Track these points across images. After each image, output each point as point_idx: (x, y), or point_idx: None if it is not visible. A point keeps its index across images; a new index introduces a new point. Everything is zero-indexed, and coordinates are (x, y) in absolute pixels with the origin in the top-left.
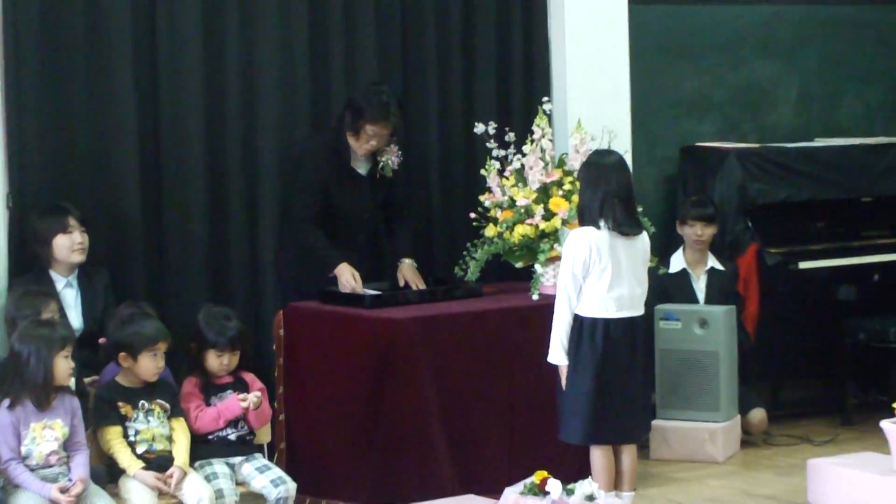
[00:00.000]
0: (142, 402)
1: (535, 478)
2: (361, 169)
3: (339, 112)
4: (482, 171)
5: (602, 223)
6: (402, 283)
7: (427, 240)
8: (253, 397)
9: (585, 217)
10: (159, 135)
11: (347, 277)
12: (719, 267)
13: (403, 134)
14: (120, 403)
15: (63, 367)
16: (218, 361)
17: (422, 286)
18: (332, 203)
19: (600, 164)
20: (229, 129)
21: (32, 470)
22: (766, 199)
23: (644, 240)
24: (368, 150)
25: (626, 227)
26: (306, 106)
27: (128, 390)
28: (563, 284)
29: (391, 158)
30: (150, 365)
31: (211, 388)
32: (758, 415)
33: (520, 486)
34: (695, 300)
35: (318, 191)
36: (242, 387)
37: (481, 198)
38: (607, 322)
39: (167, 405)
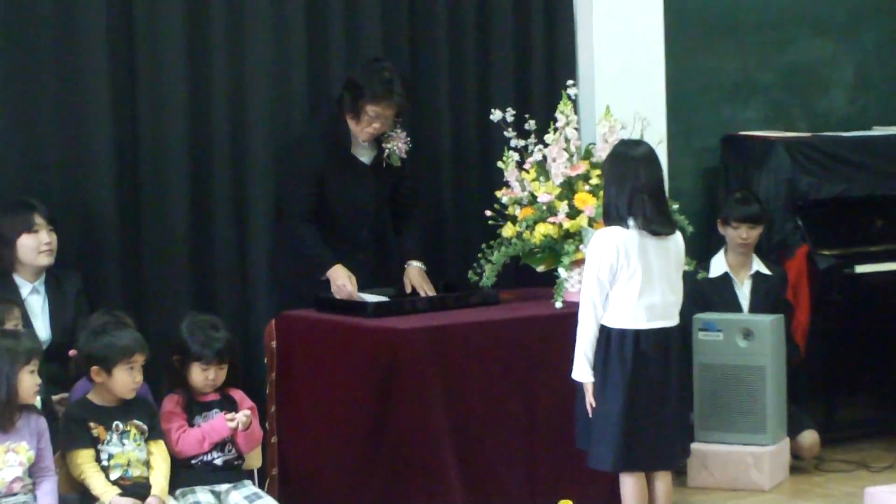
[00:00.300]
0: (116, 422)
1: None
2: (364, 157)
3: (338, 93)
4: (499, 164)
5: (630, 222)
6: (408, 289)
7: (437, 240)
8: (242, 417)
9: (611, 215)
10: (136, 123)
11: (343, 281)
12: (766, 271)
13: (410, 116)
14: (92, 424)
15: (28, 383)
16: (203, 376)
17: (431, 292)
18: (331, 196)
19: (627, 157)
20: (215, 116)
21: None
22: (818, 194)
23: (678, 240)
24: (370, 135)
25: (657, 225)
26: (302, 90)
27: (101, 409)
28: (587, 292)
29: (398, 145)
30: (126, 380)
31: (195, 407)
32: (809, 437)
33: None
34: (738, 308)
35: (313, 182)
36: (230, 405)
37: (498, 193)
38: (637, 333)
39: (144, 426)
